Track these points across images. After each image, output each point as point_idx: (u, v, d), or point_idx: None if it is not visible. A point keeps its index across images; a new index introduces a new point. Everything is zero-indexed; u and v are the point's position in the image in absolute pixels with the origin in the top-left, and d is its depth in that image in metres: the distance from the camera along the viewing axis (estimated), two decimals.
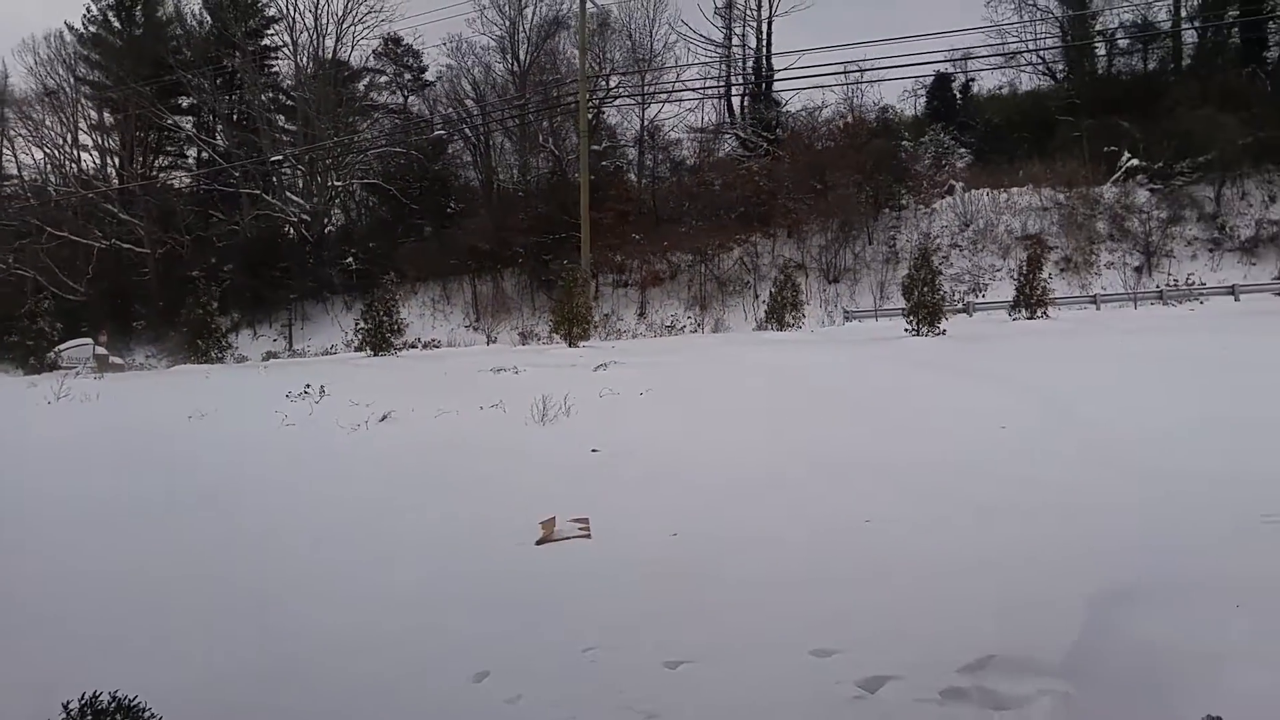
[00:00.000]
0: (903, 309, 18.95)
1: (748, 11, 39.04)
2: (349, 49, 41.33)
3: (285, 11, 41.38)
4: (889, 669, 4.31)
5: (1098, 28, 36.91)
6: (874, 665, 4.37)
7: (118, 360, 27.01)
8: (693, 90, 37.96)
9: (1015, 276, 20.72)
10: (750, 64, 39.66)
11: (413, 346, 24.04)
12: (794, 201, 31.10)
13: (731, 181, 32.91)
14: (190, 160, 43.84)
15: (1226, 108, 29.04)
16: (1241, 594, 4.74)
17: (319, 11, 40.27)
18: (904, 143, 32.78)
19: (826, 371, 13.59)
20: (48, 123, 41.52)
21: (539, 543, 7.05)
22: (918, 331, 17.83)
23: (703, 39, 39.45)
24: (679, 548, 6.72)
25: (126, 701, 3.45)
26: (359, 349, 22.08)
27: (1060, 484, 7.63)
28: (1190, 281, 25.25)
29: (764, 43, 38.82)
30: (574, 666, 4.68)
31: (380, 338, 20.70)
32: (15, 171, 42.92)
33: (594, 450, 9.88)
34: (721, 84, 39.57)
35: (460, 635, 5.18)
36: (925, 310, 17.99)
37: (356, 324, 22.45)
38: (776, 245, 31.52)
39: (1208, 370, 11.62)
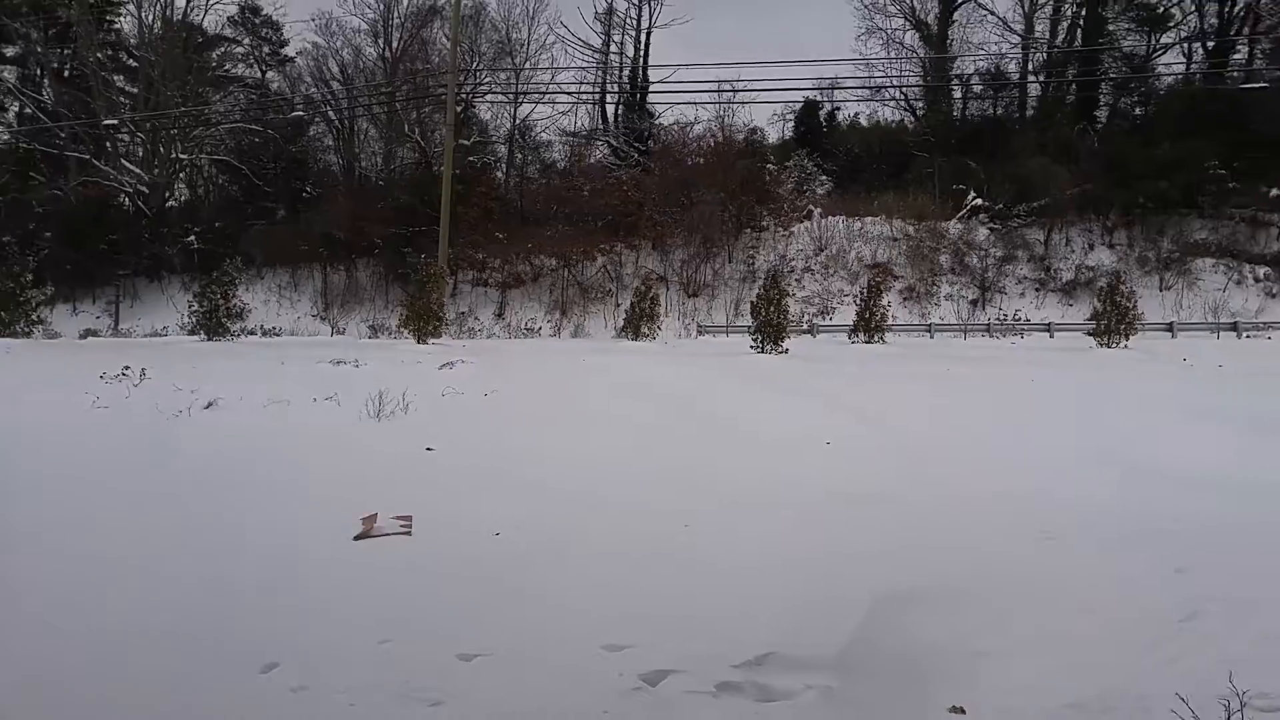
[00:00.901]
0: (750, 326, 19.67)
1: (627, 20, 39.55)
2: (202, 12, 39.16)
3: None
4: (673, 664, 4.53)
5: (955, 72, 39.56)
6: (660, 660, 4.57)
7: None
8: (567, 93, 38.17)
9: (858, 301, 21.86)
10: (626, 73, 40.13)
11: (252, 333, 22.96)
12: (660, 214, 31.63)
13: (601, 189, 33.12)
14: (11, 115, 40.12)
15: (1060, 159, 31.72)
16: (1011, 601, 5.25)
17: None
18: (769, 165, 33.95)
19: (671, 383, 13.96)
20: None
21: (357, 538, 6.91)
22: (762, 349, 18.52)
23: (580, 43, 39.72)
24: (498, 547, 6.74)
25: None
26: (193, 332, 20.92)
27: (869, 495, 8.14)
28: (1016, 317, 27.38)
29: (641, 53, 39.40)
30: (366, 658, 4.67)
31: (216, 321, 19.70)
32: None
33: (429, 449, 9.76)
34: (597, 90, 39.86)
35: (255, 628, 5.05)
36: (770, 329, 18.72)
37: (190, 305, 21.23)
38: (640, 256, 31.98)
39: (1016, 400, 12.76)
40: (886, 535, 6.89)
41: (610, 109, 40.22)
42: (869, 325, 21.35)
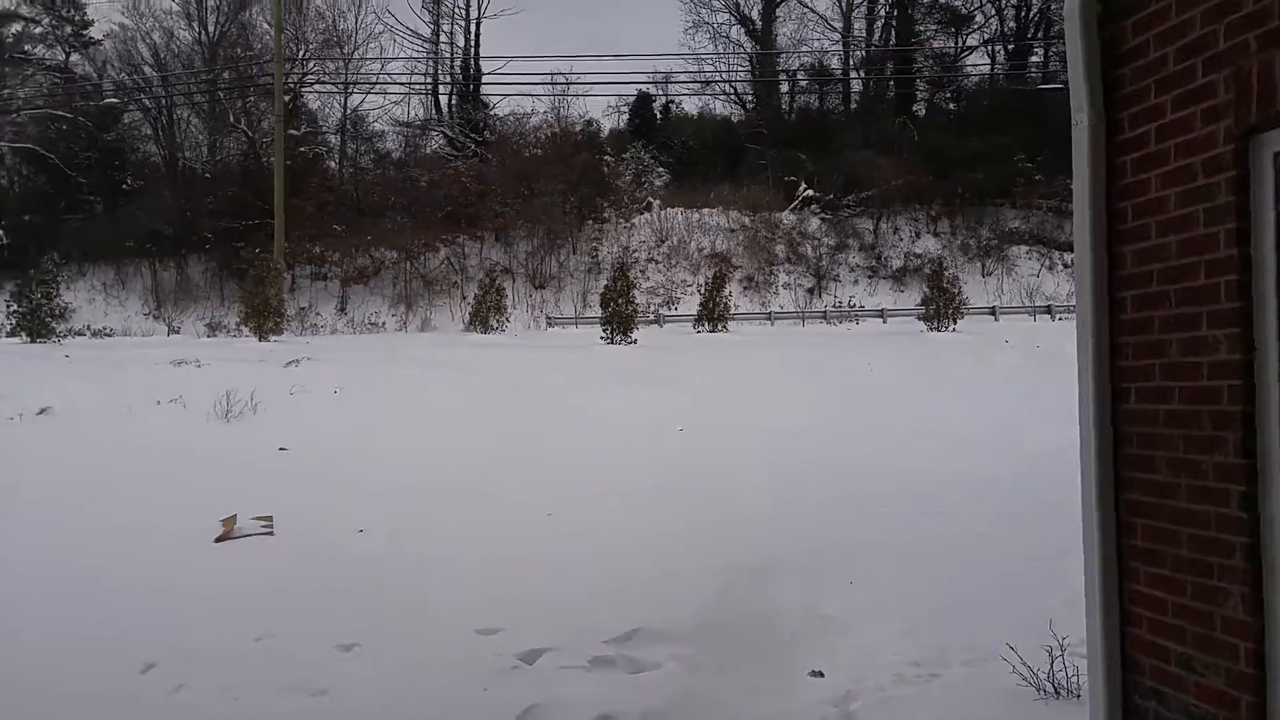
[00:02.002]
0: (600, 317, 20.29)
1: (455, 9, 39.12)
2: None
3: None
4: (547, 643, 4.88)
5: (782, 67, 41.49)
6: (534, 640, 4.91)
7: None
8: (399, 83, 37.42)
9: (702, 291, 22.79)
10: (458, 63, 39.78)
11: (80, 334, 21.66)
12: (502, 206, 31.76)
13: (439, 179, 32.76)
14: None
15: (884, 152, 33.79)
16: (854, 572, 5.86)
17: None
18: (607, 157, 34.62)
19: (523, 375, 14.40)
20: None
21: (218, 540, 7.06)
22: (612, 340, 19.22)
23: (410, 32, 39.02)
24: (362, 542, 7.06)
25: None
26: (12, 334, 19.55)
27: (719, 476, 8.89)
28: (851, 304, 29.09)
29: (472, 43, 39.13)
30: (245, 654, 4.84)
31: (38, 322, 18.53)
32: None
33: (282, 449, 9.87)
34: (429, 80, 39.34)
35: (129, 630, 5.14)
36: (619, 320, 19.44)
37: (8, 305, 19.82)
38: (484, 248, 32.01)
39: (853, 382, 13.84)
40: (737, 512, 7.56)
41: (444, 99, 39.86)
42: (713, 315, 22.36)
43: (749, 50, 41.55)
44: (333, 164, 35.79)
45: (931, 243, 32.62)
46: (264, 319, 19.72)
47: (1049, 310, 26.65)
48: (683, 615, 5.28)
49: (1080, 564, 2.74)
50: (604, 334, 19.54)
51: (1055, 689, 3.78)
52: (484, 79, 38.46)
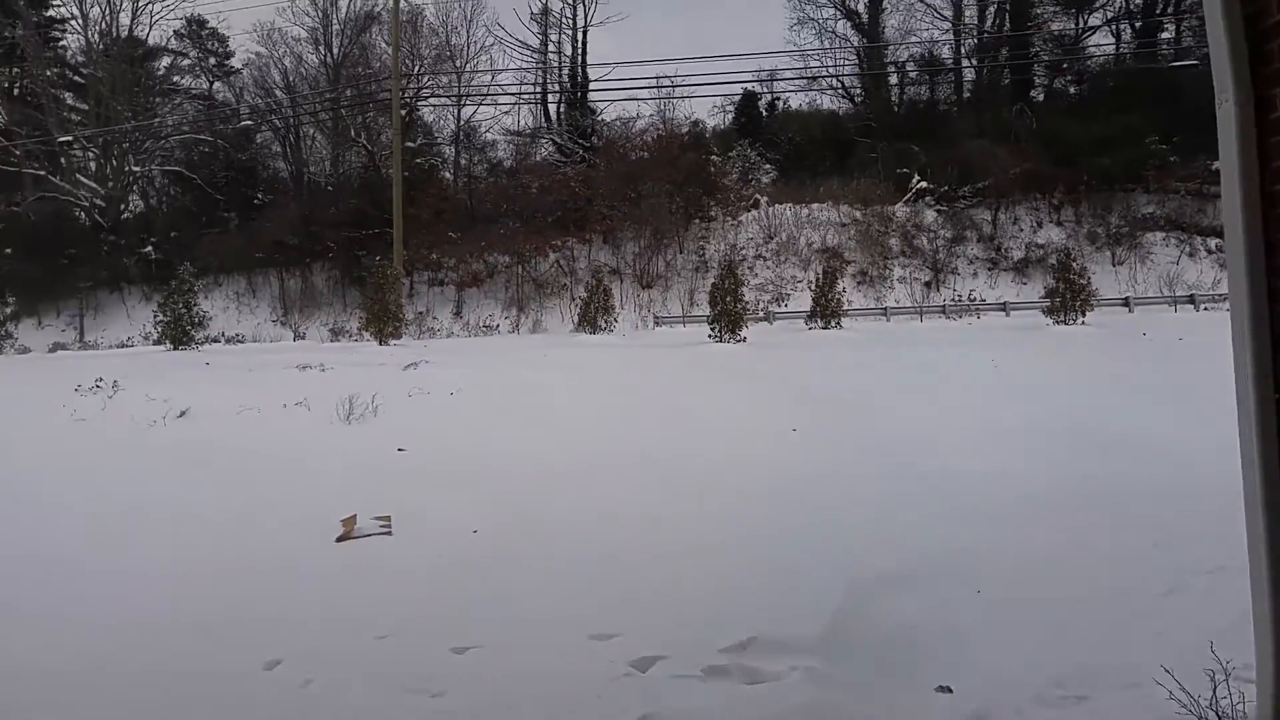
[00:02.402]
0: (708, 316, 20.11)
1: (563, 19, 39.73)
2: (147, 28, 38.78)
3: None
4: (660, 650, 4.74)
5: (891, 59, 40.33)
6: (647, 646, 4.78)
7: None
8: (509, 94, 38.26)
9: (814, 287, 22.32)
10: (566, 71, 40.36)
11: (216, 341, 22.97)
12: (609, 208, 32.01)
13: (548, 185, 33.33)
14: None
15: (999, 140, 32.43)
16: (982, 581, 5.50)
17: None
18: (713, 156, 34.41)
19: (634, 375, 14.37)
20: None
21: (339, 539, 7.23)
22: (720, 338, 19.01)
23: (519, 43, 39.84)
24: (478, 542, 7.09)
25: None
26: (158, 342, 20.91)
27: (834, 478, 8.59)
28: (971, 297, 27.98)
29: (579, 51, 39.63)
30: (366, 653, 4.91)
31: (180, 331, 19.74)
32: None
33: (400, 449, 10.09)
34: (538, 89, 40.07)
35: (255, 627, 5.31)
36: (728, 318, 19.21)
37: (155, 315, 21.23)
38: (592, 250, 32.30)
39: (980, 382, 13.13)
40: (856, 518, 7.24)
41: (552, 107, 40.53)
42: (825, 311, 21.83)
43: (856, 44, 40.60)
44: (447, 174, 36.95)
45: (1055, 232, 31.05)
46: (384, 324, 20.40)
47: (1192, 300, 24.83)
48: (801, 624, 5.06)
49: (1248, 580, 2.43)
50: (712, 332, 19.34)
51: (1219, 717, 3.41)
52: (590, 85, 38.94)
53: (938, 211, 32.22)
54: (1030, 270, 29.57)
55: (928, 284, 30.00)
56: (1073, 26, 37.82)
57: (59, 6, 39.02)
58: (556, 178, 33.63)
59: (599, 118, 38.10)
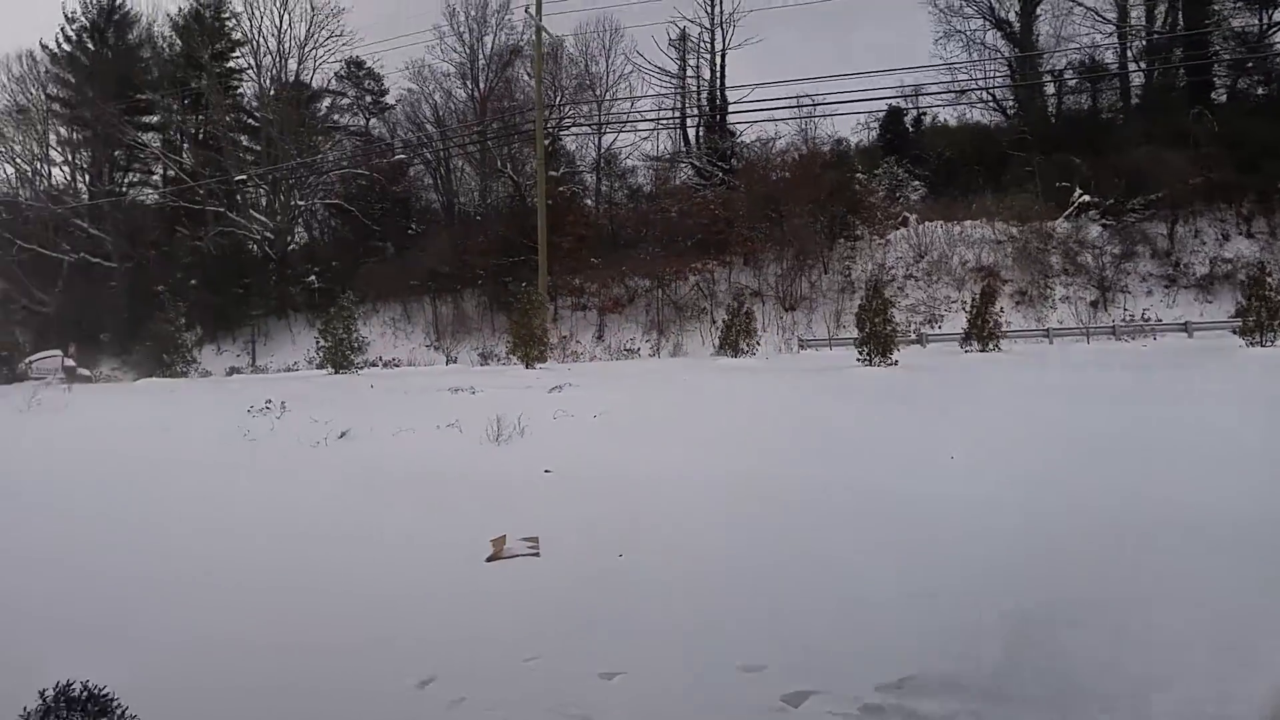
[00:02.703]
0: (855, 338, 19.40)
1: (701, 44, 39.88)
2: (311, 71, 41.74)
3: (250, 35, 41.52)
4: (812, 684, 4.47)
5: (1046, 67, 38.27)
6: (799, 680, 4.52)
7: (85, 372, 26.82)
8: (648, 119, 38.67)
9: (969, 308, 21.22)
10: (704, 95, 40.45)
11: (373, 365, 24.09)
12: (750, 230, 31.68)
13: (688, 209, 33.39)
14: (157, 177, 43.66)
15: (1175, 147, 29.90)
16: (1168, 615, 4.96)
17: (282, 35, 40.53)
18: (858, 174, 33.55)
19: (776, 397, 13.98)
20: (18, 138, 41.55)
21: (489, 560, 7.21)
22: (869, 361, 18.29)
23: (657, 69, 40.17)
24: (624, 565, 6.92)
25: (97, 692, 3.66)
26: (320, 366, 22.10)
27: (998, 509, 7.94)
28: (1145, 317, 25.88)
29: (717, 74, 39.66)
30: (515, 674, 4.85)
31: (341, 355, 20.77)
32: None
33: (547, 471, 10.09)
34: (676, 114, 40.33)
35: (408, 645, 5.32)
36: (877, 341, 18.46)
37: (317, 341, 22.49)
38: (733, 273, 32.03)
39: (1153, 409, 11.88)
40: (1024, 551, 6.65)
41: (691, 131, 40.69)
42: (982, 332, 20.72)
43: (1007, 54, 38.77)
44: (589, 201, 37.68)
45: (1245, 245, 28.31)
46: (530, 348, 20.82)
47: None
48: (962, 663, 4.64)
49: None
50: (860, 355, 18.64)
51: None
52: (729, 108, 38.87)
53: (1103, 226, 30.11)
54: (1216, 287, 27.10)
55: (1094, 303, 28.05)
56: (1256, 22, 34.73)
57: (237, 58, 42.83)
58: (696, 201, 33.68)
59: (738, 139, 38.00)
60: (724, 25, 38.98)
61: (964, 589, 5.89)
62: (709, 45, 39.63)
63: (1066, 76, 38.13)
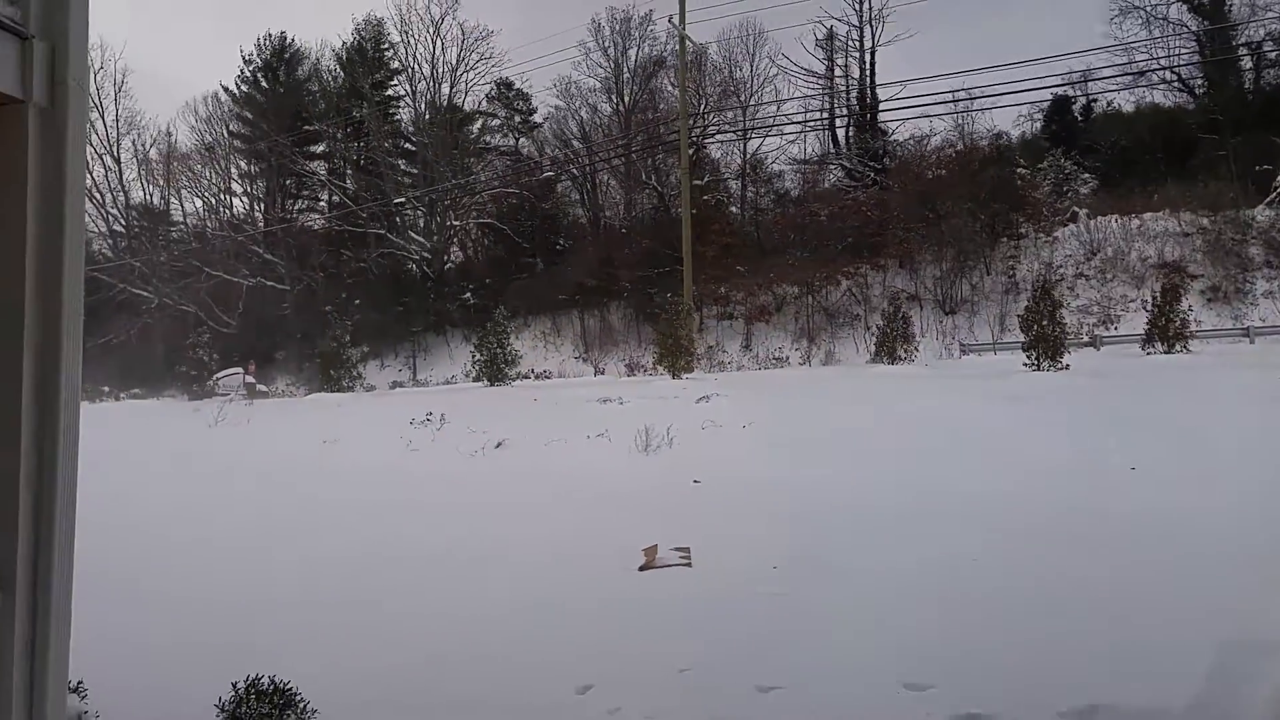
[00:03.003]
0: (1022, 342, 18.19)
1: (849, 43, 38.78)
2: (463, 95, 43.61)
3: (406, 64, 43.93)
4: (983, 708, 4.16)
5: (1241, 40, 34.83)
6: (968, 702, 4.22)
7: (263, 388, 28.95)
8: (795, 122, 37.92)
9: (1150, 307, 19.42)
10: (854, 94, 39.28)
11: (525, 377, 24.65)
12: (905, 231, 30.47)
13: (838, 212, 32.53)
14: (323, 203, 46.98)
15: None
16: None
17: (435, 62, 42.57)
18: (1020, 169, 31.67)
19: (938, 404, 13.21)
20: (206, 174, 46.13)
21: (642, 568, 7.14)
22: (1038, 365, 17.08)
23: (803, 71, 39.35)
24: (778, 577, 6.66)
25: (283, 685, 4.08)
26: (476, 379, 22.83)
27: (1183, 525, 7.18)
28: None
29: (867, 73, 38.44)
30: (670, 685, 4.76)
31: (495, 368, 21.37)
32: (180, 218, 47.67)
33: (696, 481, 9.92)
34: (824, 115, 39.35)
35: (565, 652, 5.34)
36: (1046, 343, 17.22)
37: (473, 355, 23.25)
38: (887, 276, 30.91)
39: None
40: (1229, 574, 5.97)
41: (840, 132, 39.60)
42: (1166, 333, 18.93)
43: (1195, 29, 35.53)
44: (734, 208, 37.38)
45: None
46: (676, 358, 20.72)
47: None
48: (1158, 694, 4.19)
49: None
50: (1028, 359, 17.42)
51: None
52: (880, 106, 37.62)
53: None
54: None
55: None
56: None
57: (394, 86, 45.43)
58: (846, 203, 32.77)
59: (890, 138, 36.72)
60: (873, 22, 37.87)
61: (1164, 611, 5.32)
62: (857, 43, 38.59)
63: (1266, 49, 34.58)
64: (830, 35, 38.88)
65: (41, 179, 2.92)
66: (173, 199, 47.32)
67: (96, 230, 44.60)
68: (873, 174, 34.44)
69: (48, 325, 2.92)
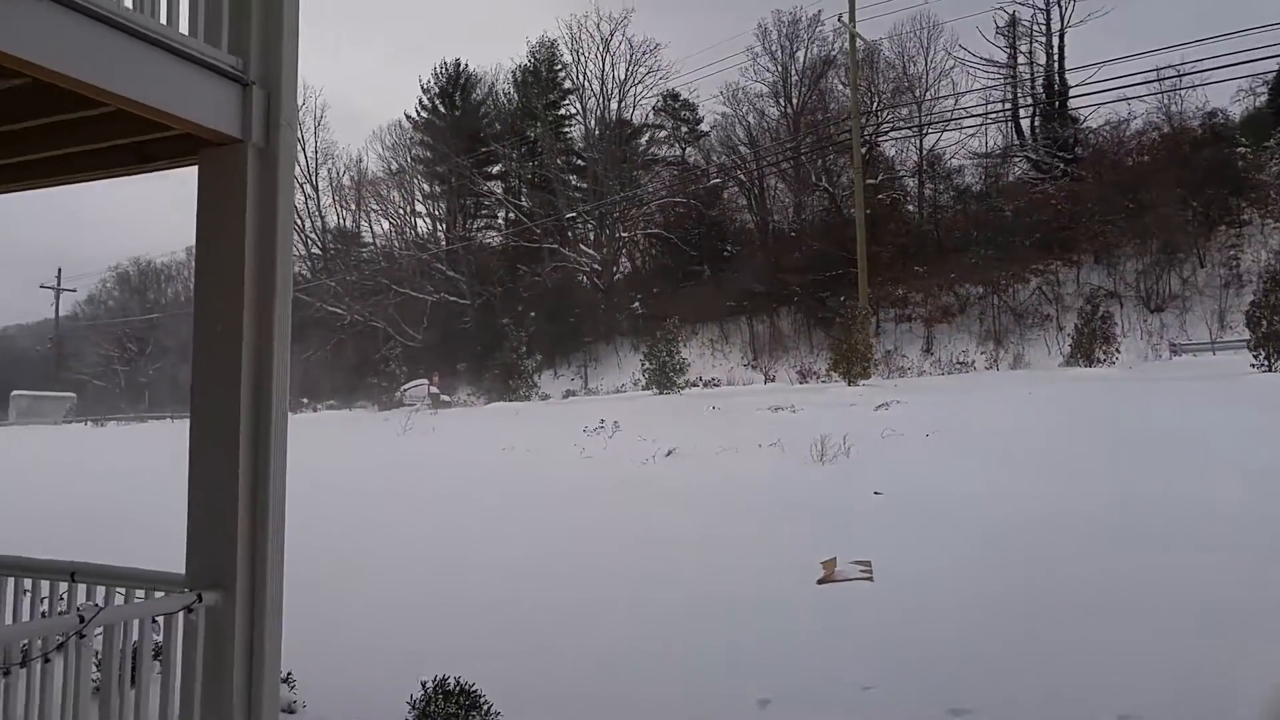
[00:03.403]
0: (1248, 340, 16.38)
1: (1034, 27, 36.40)
2: (631, 109, 44.73)
3: (577, 82, 45.34)
4: None
5: None
6: None
7: (446, 399, 30.63)
8: (975, 115, 36.00)
9: None
10: (1040, 81, 36.83)
11: (694, 385, 24.73)
12: (1101, 224, 28.25)
13: (1024, 207, 30.65)
14: (500, 221, 49.29)
15: None
16: None
17: (605, 78, 43.67)
18: (1242, 149, 28.61)
19: (1145, 411, 12.06)
20: (393, 197, 49.71)
21: (820, 582, 6.98)
22: (1269, 366, 15.33)
23: (983, 61, 37.23)
24: (965, 596, 6.30)
25: (468, 687, 4.30)
26: (645, 387, 23.12)
27: None
28: None
29: (1055, 58, 35.93)
30: (853, 702, 4.64)
31: (664, 377, 21.55)
32: (370, 239, 51.52)
33: (876, 492, 9.55)
34: (1007, 105, 37.11)
35: (742, 663, 5.29)
36: (1277, 342, 15.44)
37: (642, 364, 23.57)
38: (1082, 272, 28.80)
39: None
40: None
41: (1025, 122, 37.22)
42: None
43: None
44: (911, 207, 36.08)
45: None
46: (852, 364, 20.16)
47: None
48: None
49: None
50: (1255, 360, 15.67)
51: None
52: (1070, 92, 35.12)
53: None
54: None
55: None
56: None
57: (566, 104, 47.22)
58: (1034, 196, 30.84)
59: (1082, 125, 34.21)
60: (1061, 2, 35.43)
61: None
62: (1043, 27, 36.21)
63: None
64: (1013, 21, 36.68)
65: (258, 210, 3.20)
66: (363, 221, 51.29)
67: (297, 253, 48.88)
68: (1062, 164, 32.21)
69: (262, 341, 3.18)
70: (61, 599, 3.56)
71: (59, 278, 54.09)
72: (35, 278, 53.79)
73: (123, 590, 3.43)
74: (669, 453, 12.30)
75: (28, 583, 3.74)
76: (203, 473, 3.24)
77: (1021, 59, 37.23)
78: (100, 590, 3.40)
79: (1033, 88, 37.24)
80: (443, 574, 7.77)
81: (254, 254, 3.23)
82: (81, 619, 2.75)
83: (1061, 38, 35.58)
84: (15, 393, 45.98)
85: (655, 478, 11.18)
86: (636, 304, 37.83)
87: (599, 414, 15.27)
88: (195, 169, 3.35)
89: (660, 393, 21.40)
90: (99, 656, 2.95)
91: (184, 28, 3.06)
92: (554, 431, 14.96)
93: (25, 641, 2.91)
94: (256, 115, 3.22)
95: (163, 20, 2.98)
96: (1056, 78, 35.83)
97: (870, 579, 6.93)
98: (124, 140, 3.32)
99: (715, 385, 26.77)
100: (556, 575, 7.52)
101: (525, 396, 25.29)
